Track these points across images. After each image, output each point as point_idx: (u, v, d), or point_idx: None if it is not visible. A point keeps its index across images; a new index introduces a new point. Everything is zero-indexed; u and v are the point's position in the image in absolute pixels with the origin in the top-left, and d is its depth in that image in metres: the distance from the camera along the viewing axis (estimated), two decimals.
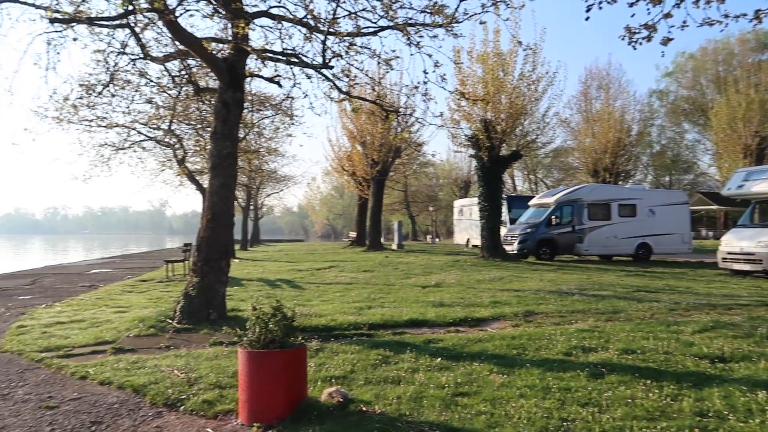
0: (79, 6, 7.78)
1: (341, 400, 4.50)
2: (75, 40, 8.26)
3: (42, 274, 19.83)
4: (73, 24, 7.81)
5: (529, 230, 21.47)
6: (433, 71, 8.40)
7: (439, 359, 5.86)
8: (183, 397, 4.84)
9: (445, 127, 20.16)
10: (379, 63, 8.93)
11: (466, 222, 32.20)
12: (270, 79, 8.68)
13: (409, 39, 8.21)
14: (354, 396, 4.70)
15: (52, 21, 7.17)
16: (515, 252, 20.92)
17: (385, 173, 30.23)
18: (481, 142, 19.16)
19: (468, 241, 31.57)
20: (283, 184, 45.51)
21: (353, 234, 39.02)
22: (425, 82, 8.55)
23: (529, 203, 24.26)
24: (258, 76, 8.94)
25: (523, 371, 5.37)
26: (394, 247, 32.19)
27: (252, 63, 9.53)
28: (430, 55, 8.29)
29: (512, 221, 25.34)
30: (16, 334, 7.74)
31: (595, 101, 40.94)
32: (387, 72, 9.37)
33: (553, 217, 21.32)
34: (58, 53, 8.63)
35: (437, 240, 53.17)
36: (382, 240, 32.76)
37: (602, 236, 21.21)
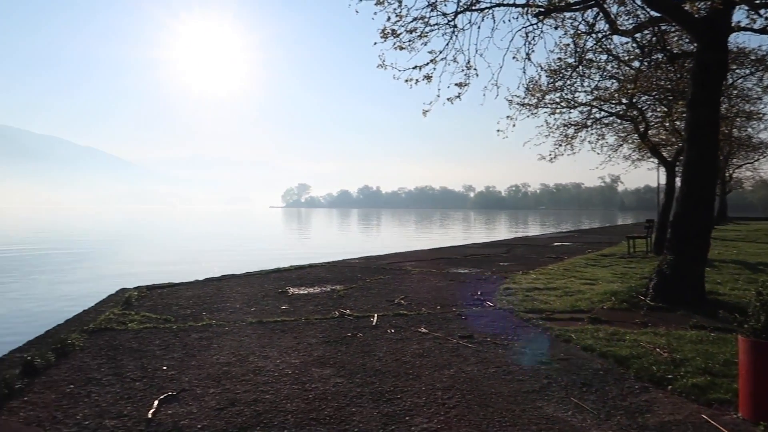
0: None
1: None
2: (556, 28, 8.89)
3: (513, 244, 22.45)
4: (549, 14, 8.41)
5: None
6: None
7: None
8: (669, 376, 4.69)
9: None
10: None
11: None
12: (762, 30, 7.46)
13: None
14: None
15: (536, 15, 7.92)
16: None
17: None
18: None
19: None
20: (759, 153, 38.85)
21: None
22: None
23: None
24: (746, 29, 7.80)
25: None
26: None
27: (737, 15, 8.40)
28: None
29: None
30: (504, 295, 8.97)
31: None
32: None
33: None
34: (532, 44, 9.49)
35: None
36: None
37: None
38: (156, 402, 4.17)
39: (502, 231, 48.89)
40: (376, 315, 7.40)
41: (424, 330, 6.60)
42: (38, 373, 4.85)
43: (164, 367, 5.07)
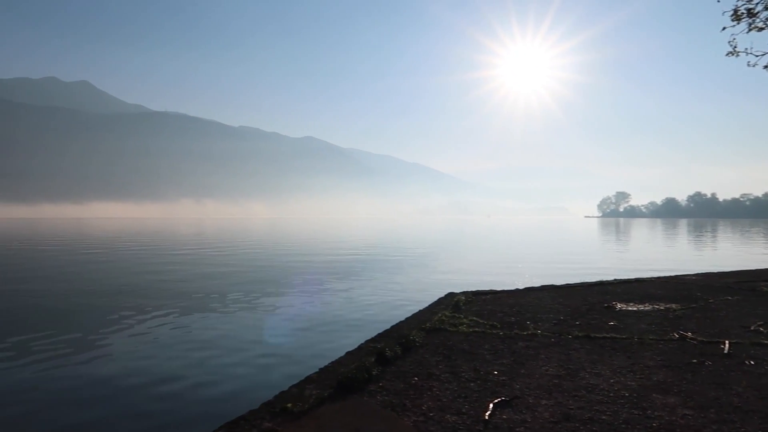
0: None
1: None
2: None
3: None
4: None
5: None
6: None
7: None
8: None
9: None
10: None
11: None
12: None
13: None
14: None
15: None
16: None
17: None
18: None
19: None
20: None
21: None
22: None
23: None
24: None
25: None
26: None
27: None
28: None
29: None
30: None
31: None
32: None
33: None
34: None
35: None
36: None
37: None
38: (491, 405, 4.29)
39: None
40: (727, 342, 6.34)
41: None
42: (389, 363, 5.48)
43: (495, 372, 5.20)
